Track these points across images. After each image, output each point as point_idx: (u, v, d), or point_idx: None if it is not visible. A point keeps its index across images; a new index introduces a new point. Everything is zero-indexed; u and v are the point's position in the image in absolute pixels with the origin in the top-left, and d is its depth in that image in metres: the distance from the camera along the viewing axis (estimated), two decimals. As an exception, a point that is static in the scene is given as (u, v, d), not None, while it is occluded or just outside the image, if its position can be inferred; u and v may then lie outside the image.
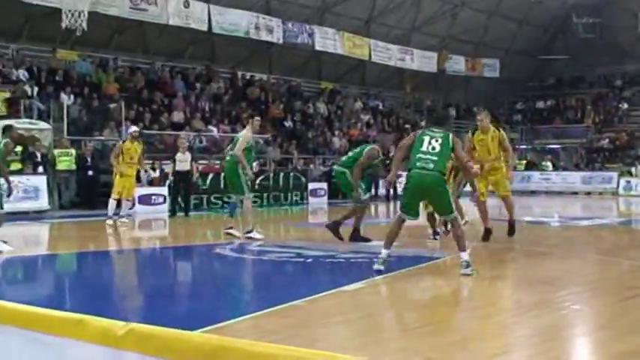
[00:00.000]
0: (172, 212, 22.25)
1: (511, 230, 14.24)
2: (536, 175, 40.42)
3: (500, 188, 14.06)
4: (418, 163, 9.89)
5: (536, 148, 47.52)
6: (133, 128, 19.67)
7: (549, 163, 41.66)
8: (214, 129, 30.28)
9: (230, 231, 14.51)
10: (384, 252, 9.99)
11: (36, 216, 20.56)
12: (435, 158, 9.87)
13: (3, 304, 3.07)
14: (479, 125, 13.94)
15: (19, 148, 22.08)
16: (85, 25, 10.38)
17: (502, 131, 14.06)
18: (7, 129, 13.04)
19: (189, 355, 2.39)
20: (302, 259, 11.84)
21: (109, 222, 18.14)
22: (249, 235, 14.27)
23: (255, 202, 24.95)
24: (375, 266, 9.92)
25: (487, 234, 13.78)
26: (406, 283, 9.70)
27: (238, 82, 36.14)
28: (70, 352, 2.77)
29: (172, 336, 2.48)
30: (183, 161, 21.90)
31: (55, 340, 2.80)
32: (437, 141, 9.98)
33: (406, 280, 9.88)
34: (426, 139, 10.02)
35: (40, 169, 22.82)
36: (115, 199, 18.52)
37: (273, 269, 11.36)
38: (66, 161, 23.35)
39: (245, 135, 14.68)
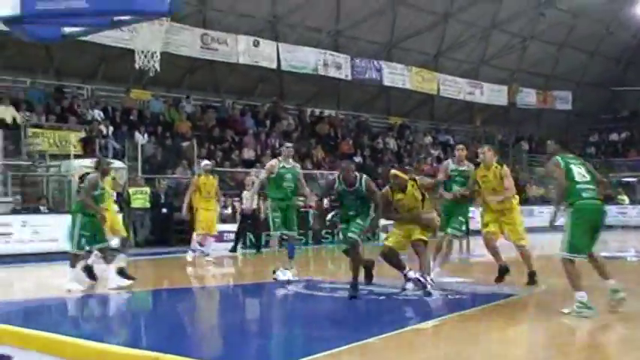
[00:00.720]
0: (233, 249, 22.10)
1: (531, 280, 12.21)
2: (612, 209, 39.52)
3: (513, 235, 12.36)
4: (585, 194, 9.44)
5: (612, 182, 46.56)
6: (205, 162, 19.65)
7: (625, 197, 40.73)
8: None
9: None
10: (578, 294, 9.31)
11: (111, 253, 20.76)
12: (594, 187, 9.53)
13: (81, 343, 3.13)
14: (481, 160, 12.94)
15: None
16: (157, 65, 10.52)
17: (504, 167, 12.80)
18: (97, 164, 13.32)
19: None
20: (374, 296, 11.75)
21: (189, 257, 18.13)
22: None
23: (326, 238, 25.08)
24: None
25: (502, 272, 12.31)
26: (481, 321, 9.54)
27: (306, 118, 36.35)
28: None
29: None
30: (250, 199, 21.49)
31: None
32: (581, 168, 9.66)
33: (481, 317, 9.72)
34: (574, 167, 9.62)
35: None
36: (198, 235, 18.50)
37: (346, 306, 11.30)
38: (140, 199, 23.66)
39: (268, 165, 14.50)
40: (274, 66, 32.20)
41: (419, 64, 38.70)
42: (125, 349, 2.97)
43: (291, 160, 14.49)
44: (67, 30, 9.99)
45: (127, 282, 12.80)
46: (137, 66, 10.67)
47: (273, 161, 14.39)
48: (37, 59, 27.85)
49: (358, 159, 34.62)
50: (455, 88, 40.49)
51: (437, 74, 39.40)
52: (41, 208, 22.04)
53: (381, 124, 40.96)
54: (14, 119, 24.56)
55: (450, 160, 14.06)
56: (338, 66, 34.62)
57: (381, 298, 11.63)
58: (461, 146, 14.08)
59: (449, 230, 13.16)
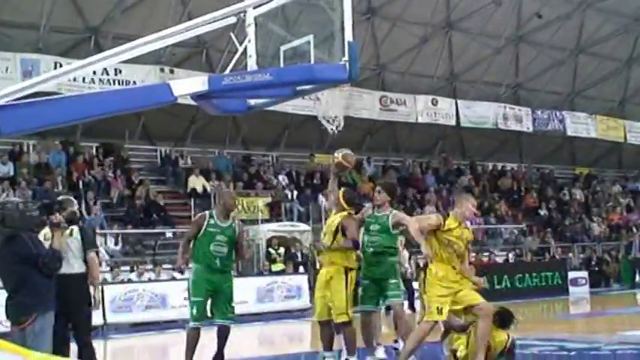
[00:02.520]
0: None
1: None
2: None
3: None
4: None
5: None
6: None
7: None
8: (468, 222, 30.12)
9: None
10: None
11: (299, 314, 21.18)
12: None
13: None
14: None
15: (282, 250, 23.18)
16: (341, 128, 10.80)
17: None
18: None
19: None
20: (565, 352, 11.44)
21: None
22: None
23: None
24: None
25: None
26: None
27: (487, 173, 35.99)
28: None
29: None
30: None
31: None
32: None
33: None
34: None
35: (301, 268, 23.56)
36: None
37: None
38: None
39: None
40: (453, 123, 32.25)
41: (603, 112, 37.69)
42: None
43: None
44: (253, 102, 10.43)
45: None
46: (328, 130, 10.92)
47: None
48: (224, 130, 29.11)
49: (543, 212, 33.91)
50: (643, 134, 39.07)
51: (623, 121, 38.20)
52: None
53: (566, 175, 39.97)
54: (204, 188, 25.64)
55: None
56: (518, 119, 34.25)
57: (572, 353, 11.31)
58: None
59: None
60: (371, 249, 10.04)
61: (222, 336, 9.94)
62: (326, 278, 9.67)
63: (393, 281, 10.08)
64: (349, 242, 9.54)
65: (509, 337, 9.28)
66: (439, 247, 8.94)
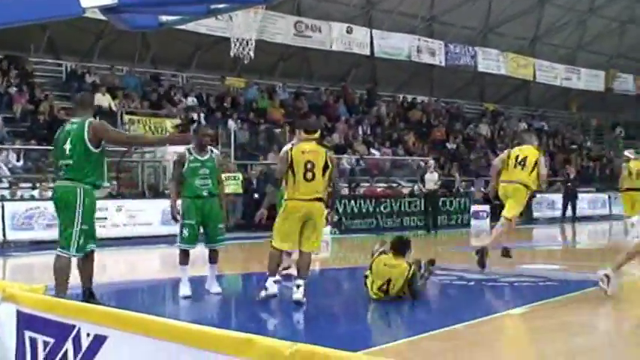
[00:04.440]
0: (427, 229, 24.10)
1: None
2: None
3: None
4: None
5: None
6: None
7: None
8: (376, 152, 30.45)
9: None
10: None
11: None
12: None
13: (175, 324, 3.22)
14: None
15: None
16: (252, 53, 10.65)
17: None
18: None
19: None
20: (465, 282, 11.71)
21: None
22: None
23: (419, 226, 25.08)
24: None
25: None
26: (573, 309, 9.42)
27: (399, 104, 36.27)
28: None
29: (337, 355, 2.54)
30: (431, 181, 23.86)
31: (224, 359, 2.89)
32: None
33: (573, 305, 9.60)
34: None
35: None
36: None
37: (437, 292, 11.27)
38: (233, 185, 23.94)
39: None
40: (367, 52, 32.26)
41: (514, 49, 38.21)
42: (217, 330, 3.04)
43: None
44: (164, 18, 10.20)
45: None
46: (232, 54, 10.80)
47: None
48: (133, 48, 28.52)
49: (451, 145, 34.40)
50: (551, 73, 39.94)
51: (533, 59, 38.85)
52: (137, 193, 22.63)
53: (474, 110, 40.54)
54: (110, 106, 25.17)
55: None
56: (432, 52, 34.50)
57: (471, 284, 11.57)
58: None
59: None
60: None
61: (214, 257, 10.41)
62: None
63: None
64: None
65: (410, 266, 9.44)
66: None
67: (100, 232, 18.32)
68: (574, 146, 40.79)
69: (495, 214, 28.46)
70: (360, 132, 31.75)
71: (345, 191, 25.23)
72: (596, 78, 42.06)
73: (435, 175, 24.21)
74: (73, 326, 3.55)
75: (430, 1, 34.70)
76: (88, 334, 3.46)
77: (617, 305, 9.79)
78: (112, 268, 15.74)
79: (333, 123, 31.13)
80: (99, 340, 3.41)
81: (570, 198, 28.29)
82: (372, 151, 30.48)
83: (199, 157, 10.14)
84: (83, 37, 27.07)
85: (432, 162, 24.89)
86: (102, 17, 9.81)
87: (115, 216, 20.26)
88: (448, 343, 7.24)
